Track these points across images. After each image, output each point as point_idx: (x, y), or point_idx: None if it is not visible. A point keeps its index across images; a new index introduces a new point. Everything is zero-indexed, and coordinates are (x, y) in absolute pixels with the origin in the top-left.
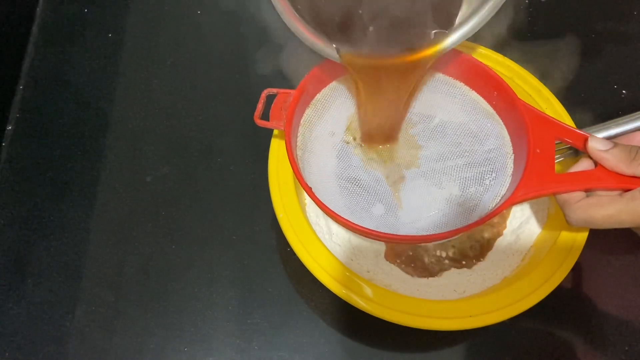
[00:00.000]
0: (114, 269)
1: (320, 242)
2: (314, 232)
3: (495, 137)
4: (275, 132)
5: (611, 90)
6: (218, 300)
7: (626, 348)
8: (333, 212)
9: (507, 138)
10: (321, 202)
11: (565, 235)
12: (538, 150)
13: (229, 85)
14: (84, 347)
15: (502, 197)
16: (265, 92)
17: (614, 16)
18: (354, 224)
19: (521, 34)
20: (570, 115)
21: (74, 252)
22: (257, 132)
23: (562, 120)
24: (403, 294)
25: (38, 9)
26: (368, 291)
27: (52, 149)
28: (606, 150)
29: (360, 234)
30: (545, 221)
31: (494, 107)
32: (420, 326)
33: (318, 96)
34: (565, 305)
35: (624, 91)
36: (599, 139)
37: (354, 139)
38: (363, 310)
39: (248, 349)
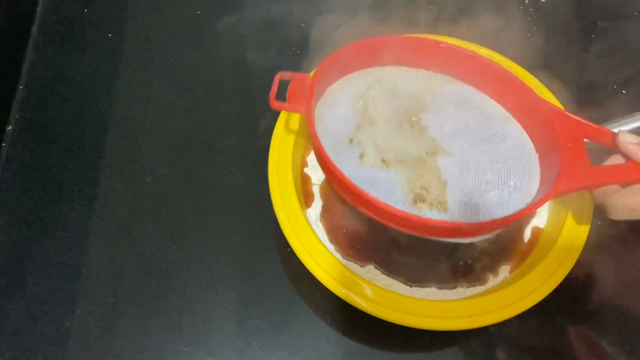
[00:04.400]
0: (114, 269)
1: (320, 242)
2: (313, 232)
3: (513, 139)
4: (276, 131)
5: (611, 90)
6: (218, 300)
7: (626, 348)
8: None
9: (528, 138)
10: (356, 186)
11: (565, 235)
12: (569, 145)
13: (229, 85)
14: (84, 347)
15: (535, 195)
16: (278, 76)
17: (614, 16)
18: (383, 203)
19: (520, 34)
20: None
21: (74, 252)
22: (257, 132)
23: None
24: (403, 294)
25: (38, 9)
26: (368, 291)
27: (52, 149)
28: (637, 144)
29: (386, 219)
30: (545, 221)
31: (510, 110)
32: (420, 326)
33: (328, 90)
34: (565, 305)
35: (623, 91)
36: (629, 134)
37: (363, 148)
38: (363, 310)
39: (248, 349)
